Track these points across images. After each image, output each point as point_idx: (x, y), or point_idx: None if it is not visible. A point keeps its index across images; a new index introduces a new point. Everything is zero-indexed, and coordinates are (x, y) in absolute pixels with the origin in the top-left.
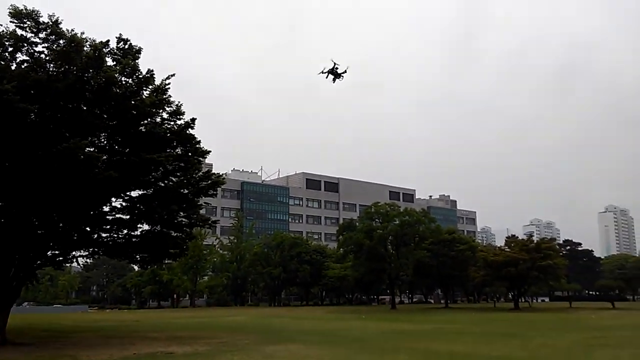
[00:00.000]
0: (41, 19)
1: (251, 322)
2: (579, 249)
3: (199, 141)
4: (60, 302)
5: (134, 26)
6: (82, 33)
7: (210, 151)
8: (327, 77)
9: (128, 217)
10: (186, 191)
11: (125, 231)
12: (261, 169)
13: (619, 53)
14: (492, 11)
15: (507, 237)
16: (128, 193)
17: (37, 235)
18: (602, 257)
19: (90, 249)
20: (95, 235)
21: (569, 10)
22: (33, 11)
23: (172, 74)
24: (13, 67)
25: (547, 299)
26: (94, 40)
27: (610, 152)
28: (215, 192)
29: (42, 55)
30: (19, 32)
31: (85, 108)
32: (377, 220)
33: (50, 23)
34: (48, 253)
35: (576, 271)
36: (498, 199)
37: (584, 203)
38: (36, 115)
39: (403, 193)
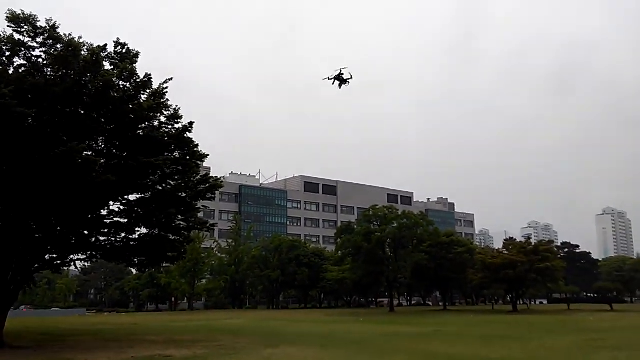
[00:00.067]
0: (39, 24)
1: (249, 325)
2: (577, 251)
3: (197, 144)
4: (58, 305)
5: (134, 27)
6: (80, 37)
7: (208, 155)
8: (333, 84)
9: (126, 220)
10: (184, 194)
11: (123, 235)
12: (259, 172)
13: (619, 53)
14: (492, 11)
15: (505, 240)
16: (126, 197)
17: (34, 239)
18: (600, 260)
19: (88, 253)
20: (93, 239)
21: (569, 10)
22: (30, 15)
23: (169, 77)
24: (10, 72)
25: (545, 301)
26: (91, 45)
27: (609, 153)
28: (213, 196)
29: (40, 60)
30: (17, 36)
31: (82, 112)
32: (375, 223)
33: (48, 27)
34: (46, 256)
35: (574, 273)
36: (496, 201)
37: (582, 205)
38: (34, 119)
39: (401, 196)
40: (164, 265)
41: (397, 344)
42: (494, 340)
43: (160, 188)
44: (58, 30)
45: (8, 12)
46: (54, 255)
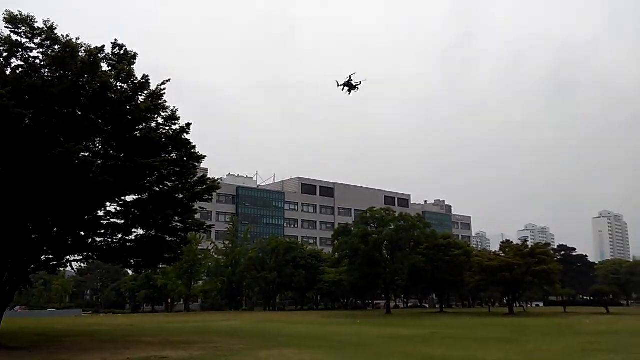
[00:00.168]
0: (36, 24)
1: (246, 327)
2: (574, 254)
3: (194, 146)
4: (54, 306)
5: (131, 27)
6: (78, 38)
7: (205, 156)
8: (343, 90)
9: (123, 221)
10: (181, 196)
11: (119, 236)
12: (256, 173)
13: (617, 55)
14: (490, 12)
15: (501, 242)
16: (123, 198)
17: (31, 240)
18: (596, 262)
19: (85, 254)
20: (90, 240)
21: (567, 11)
22: (28, 16)
23: (167, 79)
24: (8, 72)
25: (541, 304)
26: (89, 46)
27: (606, 156)
28: (210, 197)
29: (37, 61)
30: (14, 37)
31: (80, 113)
32: (372, 225)
33: (45, 28)
34: (42, 257)
35: (570, 276)
36: (493, 203)
37: (578, 208)
38: (31, 120)
39: (398, 198)
40: (161, 266)
41: (393, 346)
42: (490, 343)
43: (157, 189)
44: (56, 31)
45: (5, 13)
46: (50, 256)
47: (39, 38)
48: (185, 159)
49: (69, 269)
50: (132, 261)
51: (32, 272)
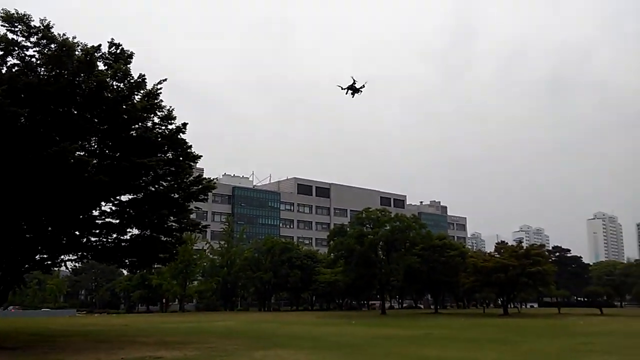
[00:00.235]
0: (32, 23)
1: (241, 327)
2: (568, 255)
3: (190, 146)
4: (48, 306)
5: (129, 27)
6: (74, 37)
7: (201, 156)
8: (346, 93)
9: (118, 221)
10: (177, 196)
11: (114, 235)
12: (252, 173)
13: (614, 57)
14: (489, 12)
15: (497, 243)
16: (118, 197)
17: (25, 239)
18: (591, 264)
19: (79, 253)
20: (85, 239)
21: (566, 13)
22: (24, 15)
23: (164, 78)
24: (3, 71)
25: (536, 305)
26: (85, 45)
27: (602, 157)
28: (206, 197)
29: (33, 59)
30: (10, 35)
31: (76, 112)
32: (368, 225)
33: (42, 27)
34: (36, 257)
35: (565, 277)
36: (488, 204)
37: (573, 209)
38: (26, 118)
39: (394, 199)
40: (156, 266)
41: (389, 347)
42: (485, 344)
43: (153, 189)
44: (52, 30)
45: (2, 11)
46: (45, 256)
47: (35, 37)
48: (181, 158)
49: (63, 268)
50: (126, 261)
51: (26, 272)
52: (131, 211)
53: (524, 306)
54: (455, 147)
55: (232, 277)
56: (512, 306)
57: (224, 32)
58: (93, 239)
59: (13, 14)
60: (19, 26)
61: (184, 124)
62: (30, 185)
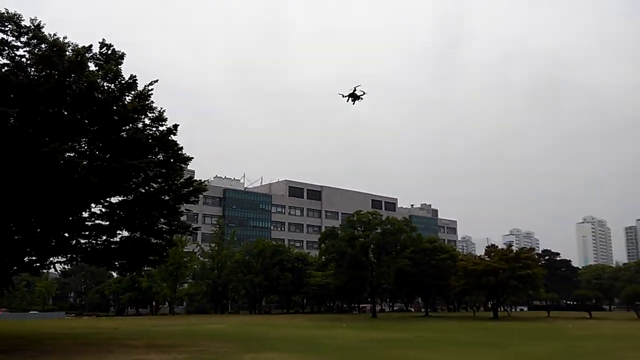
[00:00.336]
0: (23, 23)
1: (231, 330)
2: (558, 258)
3: (181, 147)
4: (36, 308)
5: (123, 28)
6: (65, 38)
7: (192, 158)
8: (347, 101)
9: (107, 223)
10: (167, 197)
11: (104, 237)
12: (244, 176)
13: (601, 65)
14: (475, 22)
15: (487, 247)
16: (108, 199)
17: (14, 241)
18: (580, 267)
19: (69, 255)
20: (74, 241)
21: (552, 21)
22: (15, 15)
23: (155, 79)
24: None
25: (525, 308)
26: (76, 45)
27: (590, 162)
28: (196, 199)
29: (24, 59)
30: (0, 35)
31: (66, 113)
32: (359, 228)
33: (32, 27)
34: (25, 259)
35: (554, 281)
36: (479, 208)
37: (562, 213)
38: (16, 119)
39: (385, 202)
40: (146, 268)
41: (379, 350)
42: (475, 347)
43: (143, 191)
44: (43, 30)
45: None
46: (34, 258)
47: (25, 36)
48: (171, 160)
49: (52, 270)
50: (116, 263)
51: (14, 274)
52: (121, 213)
53: (513, 309)
54: (447, 151)
55: (223, 279)
56: (502, 309)
57: (214, 34)
58: (82, 241)
59: (3, 13)
60: (9, 26)
61: (175, 126)
62: (20, 187)
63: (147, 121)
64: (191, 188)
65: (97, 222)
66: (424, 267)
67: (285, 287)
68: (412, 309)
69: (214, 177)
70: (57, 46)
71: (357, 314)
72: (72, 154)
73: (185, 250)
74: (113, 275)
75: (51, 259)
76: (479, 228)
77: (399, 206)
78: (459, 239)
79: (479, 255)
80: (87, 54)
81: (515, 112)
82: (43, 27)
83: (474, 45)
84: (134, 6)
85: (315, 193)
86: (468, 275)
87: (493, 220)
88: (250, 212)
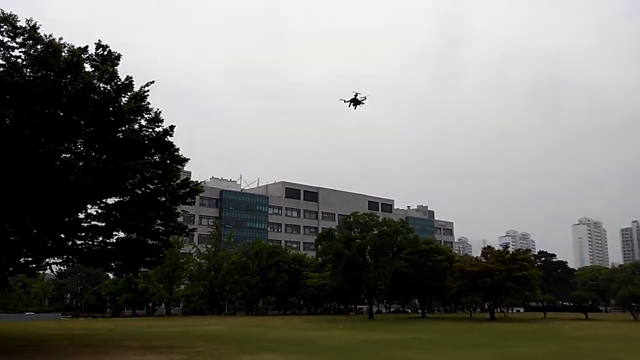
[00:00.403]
0: (18, 24)
1: (228, 331)
2: (554, 260)
3: (178, 148)
4: (32, 309)
5: (119, 28)
6: (61, 38)
7: (188, 159)
8: (349, 106)
9: (104, 224)
10: (164, 199)
11: (100, 238)
12: (240, 177)
13: (601, 66)
14: (476, 21)
15: (483, 248)
16: (104, 200)
17: (10, 242)
18: (576, 269)
19: (65, 256)
20: (70, 242)
21: (552, 21)
22: (10, 15)
23: (151, 81)
24: None
25: (522, 309)
26: (72, 46)
27: (587, 163)
28: (193, 200)
29: (19, 60)
30: None
31: (62, 114)
32: (355, 230)
33: (28, 28)
34: (21, 260)
35: (551, 282)
36: (475, 209)
37: (559, 215)
38: (12, 120)
39: (382, 203)
40: (142, 270)
41: (376, 351)
42: (472, 348)
43: (140, 192)
44: (38, 31)
45: None
46: (30, 259)
47: (21, 37)
48: (168, 161)
49: (48, 271)
50: (113, 264)
51: (10, 275)
52: (117, 214)
53: (510, 310)
54: (446, 151)
55: (220, 281)
56: (499, 310)
57: (214, 34)
58: (79, 242)
59: None
60: (5, 26)
61: (172, 127)
62: (15, 188)
63: (143, 122)
64: (187, 189)
65: (93, 223)
66: (420, 269)
67: (282, 288)
68: (409, 310)
69: (211, 179)
70: (52, 47)
71: (354, 315)
72: (68, 155)
73: (181, 251)
74: (109, 277)
75: (47, 260)
76: (476, 229)
77: (395, 208)
78: (456, 240)
79: (475, 256)
80: (83, 55)
81: (515, 112)
82: (39, 27)
83: (474, 45)
84: (134, 6)
85: (311, 194)
86: (464, 276)
87: (490, 221)
88: (246, 214)
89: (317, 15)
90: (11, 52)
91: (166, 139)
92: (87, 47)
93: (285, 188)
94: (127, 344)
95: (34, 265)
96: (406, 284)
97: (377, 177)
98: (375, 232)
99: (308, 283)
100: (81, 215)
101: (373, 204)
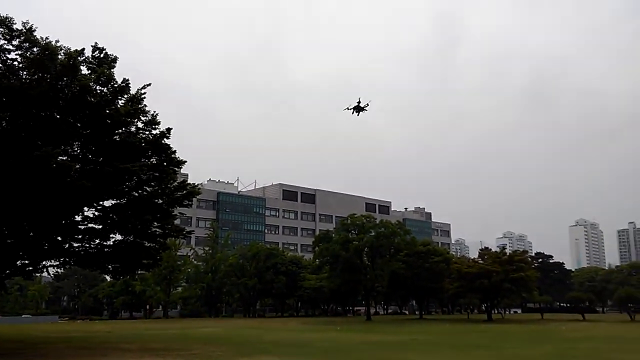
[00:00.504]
0: (15, 26)
1: (225, 334)
2: (551, 261)
3: (174, 151)
4: (29, 312)
5: (115, 31)
6: (57, 41)
7: (185, 161)
8: (352, 113)
9: (101, 226)
10: (160, 201)
11: (97, 241)
12: (237, 179)
13: (595, 65)
14: (475, 21)
15: (480, 249)
16: (101, 202)
17: (6, 245)
18: (573, 270)
19: (62, 259)
20: (67, 245)
21: (552, 22)
22: (6, 18)
23: (148, 83)
24: None
25: (519, 311)
26: (68, 48)
27: (583, 164)
28: (190, 202)
29: (15, 63)
30: None
31: (58, 116)
32: (353, 231)
33: (24, 30)
34: (17, 262)
35: (548, 283)
36: (472, 211)
37: (555, 216)
38: (8, 122)
39: (379, 205)
40: (139, 272)
41: (374, 352)
42: (469, 349)
43: (136, 194)
44: (35, 34)
45: None
46: (26, 261)
47: (17, 40)
48: (165, 163)
49: (45, 274)
50: (110, 267)
51: (7, 278)
52: (114, 217)
53: (507, 312)
54: (440, 154)
55: (217, 283)
56: (496, 312)
57: (214, 34)
58: (75, 244)
59: None
60: (1, 29)
61: (168, 129)
62: (12, 190)
63: (140, 125)
64: (184, 191)
65: (90, 225)
66: (417, 270)
67: (279, 290)
68: (407, 312)
69: (208, 181)
70: (49, 49)
71: (351, 317)
72: (64, 158)
73: (179, 253)
74: (106, 279)
75: (44, 262)
76: (473, 231)
77: (392, 209)
78: (453, 242)
79: (472, 258)
80: (79, 58)
81: (512, 112)
82: (35, 30)
83: (474, 45)
84: (134, 6)
85: (309, 196)
86: (462, 278)
87: (486, 223)
88: (244, 216)
89: (317, 16)
90: (7, 55)
91: (163, 142)
92: (83, 49)
93: (283, 190)
94: (124, 346)
95: (30, 268)
96: (404, 285)
97: (376, 178)
98: (373, 233)
99: (305, 285)
100: (78, 218)
101: (370, 205)
